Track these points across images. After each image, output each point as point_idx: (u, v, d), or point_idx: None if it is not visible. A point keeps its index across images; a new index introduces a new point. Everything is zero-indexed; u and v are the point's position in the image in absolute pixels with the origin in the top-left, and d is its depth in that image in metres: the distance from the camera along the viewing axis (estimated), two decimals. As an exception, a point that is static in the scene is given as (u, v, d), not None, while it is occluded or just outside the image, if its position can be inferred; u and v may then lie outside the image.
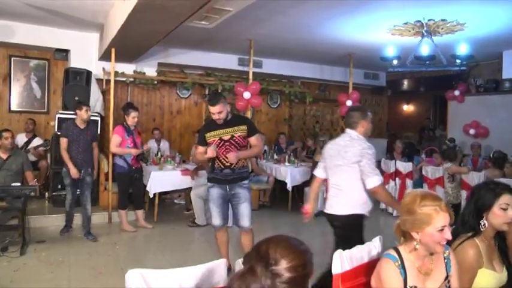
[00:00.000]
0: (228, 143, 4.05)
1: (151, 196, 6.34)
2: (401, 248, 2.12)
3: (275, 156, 8.51)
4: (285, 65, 9.74)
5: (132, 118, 5.78)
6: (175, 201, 7.84)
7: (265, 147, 8.66)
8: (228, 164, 4.04)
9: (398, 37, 6.69)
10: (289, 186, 7.41)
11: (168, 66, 8.61)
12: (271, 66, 9.55)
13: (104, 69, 7.66)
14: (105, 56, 7.01)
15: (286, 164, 7.86)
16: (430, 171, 6.88)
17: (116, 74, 6.99)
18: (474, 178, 6.31)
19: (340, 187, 3.42)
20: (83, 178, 5.45)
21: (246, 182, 4.17)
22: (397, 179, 7.61)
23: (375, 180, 3.24)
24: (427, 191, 2.16)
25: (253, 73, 8.95)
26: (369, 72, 11.09)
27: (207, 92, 9.33)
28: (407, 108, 14.34)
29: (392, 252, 2.11)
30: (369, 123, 3.41)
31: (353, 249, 2.32)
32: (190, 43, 7.90)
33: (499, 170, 6.50)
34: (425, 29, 5.92)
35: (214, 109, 3.96)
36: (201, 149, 4.21)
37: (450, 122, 9.14)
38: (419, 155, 8.25)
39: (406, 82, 12.51)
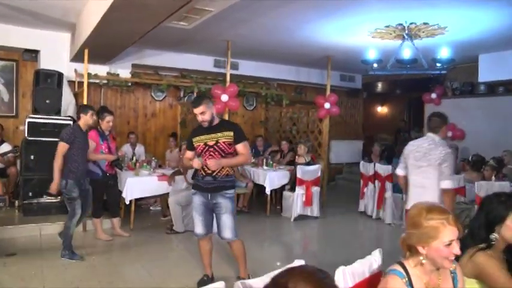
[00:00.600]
0: (212, 149, 3.91)
1: (127, 203, 6.10)
2: (407, 263, 2.02)
3: (252, 160, 8.38)
4: (262, 67, 9.64)
5: (106, 122, 5.53)
6: (151, 207, 7.59)
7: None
8: (210, 171, 3.88)
9: (379, 40, 6.68)
10: (267, 191, 7.32)
11: (142, 67, 8.36)
12: (248, 68, 9.42)
13: (76, 70, 7.36)
14: (77, 57, 6.73)
15: (264, 167, 7.76)
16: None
17: (89, 76, 6.69)
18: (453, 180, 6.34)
19: (425, 186, 3.83)
20: (87, 189, 5.12)
21: (230, 191, 3.99)
22: (376, 181, 7.61)
23: (450, 182, 3.76)
24: (434, 203, 2.07)
25: (230, 75, 8.88)
26: (345, 74, 11.12)
27: (182, 95, 9.13)
28: (382, 110, 14.51)
29: (399, 268, 2.00)
30: (447, 128, 3.99)
31: (355, 264, 2.21)
32: (166, 44, 7.69)
33: (477, 172, 6.59)
34: (406, 32, 5.91)
35: (197, 110, 3.85)
36: (188, 154, 4.10)
37: (427, 125, 9.20)
38: (397, 158, 8.26)
39: (380, 85, 12.64)
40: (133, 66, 8.20)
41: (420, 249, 1.95)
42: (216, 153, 3.91)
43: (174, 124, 9.01)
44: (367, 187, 7.81)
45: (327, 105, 8.40)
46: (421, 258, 1.96)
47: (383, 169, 7.42)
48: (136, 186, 6.14)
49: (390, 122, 13.89)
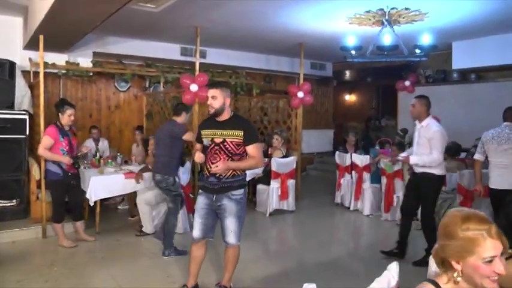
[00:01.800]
0: (217, 148, 3.48)
1: (91, 204, 5.55)
2: (439, 280, 1.69)
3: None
4: (230, 55, 9.17)
5: (68, 116, 4.95)
6: (119, 206, 7.06)
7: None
8: (213, 172, 3.45)
9: (356, 26, 6.37)
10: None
11: (104, 56, 7.73)
12: (216, 56, 8.93)
13: (30, 59, 6.69)
14: (31, 45, 6.05)
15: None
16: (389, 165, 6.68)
17: (46, 65, 6.07)
18: (434, 170, 6.16)
19: (507, 166, 4.56)
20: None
21: (238, 192, 3.56)
22: (353, 172, 7.37)
23: None
24: (472, 210, 1.73)
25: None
26: (316, 62, 10.81)
27: (147, 85, 8.56)
28: (351, 98, 14.38)
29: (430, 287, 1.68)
30: None
31: (373, 284, 1.86)
32: (130, 31, 7.10)
33: (456, 161, 6.43)
34: (386, 17, 5.61)
35: (210, 92, 3.49)
36: (197, 146, 3.75)
37: (400, 113, 9.06)
38: (374, 147, 8.08)
39: (348, 73, 12.45)
40: (95, 54, 7.55)
41: (455, 264, 1.63)
42: (222, 153, 3.48)
43: (139, 116, 8.44)
44: (343, 178, 7.56)
45: (300, 94, 8.06)
46: (455, 274, 1.63)
47: (360, 159, 7.16)
48: (101, 185, 5.57)
49: (358, 110, 13.79)
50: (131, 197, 6.38)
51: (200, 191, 3.70)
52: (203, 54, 8.45)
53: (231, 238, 3.57)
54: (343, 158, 7.57)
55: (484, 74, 8.08)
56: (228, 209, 3.53)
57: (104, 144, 7.31)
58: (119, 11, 4.36)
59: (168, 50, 8.22)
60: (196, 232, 3.62)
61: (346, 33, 6.81)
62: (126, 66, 8.09)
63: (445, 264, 1.69)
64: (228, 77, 9.44)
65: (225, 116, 3.55)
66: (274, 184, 6.92)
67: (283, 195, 6.97)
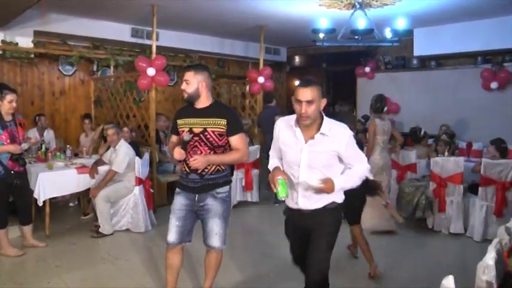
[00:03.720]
0: (197, 138, 2.99)
1: (40, 204, 4.79)
2: None
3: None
4: (183, 38, 8.43)
5: (8, 103, 4.14)
6: (71, 203, 6.26)
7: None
8: (193, 168, 2.96)
9: (324, 9, 5.97)
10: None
11: (47, 36, 6.74)
12: (168, 39, 8.14)
13: (-44, 37, 5.65)
14: (-42, 20, 5.10)
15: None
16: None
17: (-23, 44, 5.12)
18: (404, 157, 5.99)
19: None
20: None
21: (223, 190, 3.10)
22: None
23: None
24: None
25: (149, 46, 7.59)
26: (270, 47, 10.33)
27: (95, 68, 7.68)
28: (300, 84, 14.08)
29: None
30: None
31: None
32: (75, 8, 6.21)
33: (425, 147, 6.29)
34: (360, 0, 5.26)
35: (183, 76, 3.03)
36: (173, 138, 3.28)
37: (359, 99, 8.87)
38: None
39: (298, 58, 12.09)
40: (36, 34, 6.55)
41: None
42: (203, 144, 2.99)
43: (87, 103, 7.58)
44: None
45: (260, 80, 7.62)
46: None
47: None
48: (50, 182, 4.84)
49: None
50: (84, 194, 5.65)
51: (178, 190, 3.17)
52: (156, 37, 7.70)
53: (216, 241, 3.09)
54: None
55: (443, 61, 8.05)
56: (213, 209, 3.06)
57: (49, 134, 6.44)
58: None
59: (118, 31, 7.36)
60: (173, 236, 3.10)
61: (313, 16, 6.45)
62: (72, 47, 7.15)
63: None
64: (182, 61, 8.74)
65: (205, 102, 3.05)
66: (238, 175, 6.43)
67: (248, 186, 6.51)
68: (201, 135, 2.99)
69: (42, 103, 7.18)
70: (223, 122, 2.99)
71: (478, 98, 7.30)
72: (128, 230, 5.19)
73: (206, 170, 3.02)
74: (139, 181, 5.19)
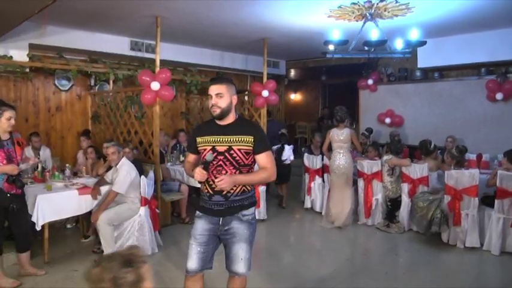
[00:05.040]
0: (222, 157, 2.67)
1: (38, 228, 4.34)
2: None
3: (181, 158, 6.99)
4: (182, 51, 8.08)
5: (6, 120, 3.72)
6: (68, 225, 5.79)
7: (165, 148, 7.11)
8: (219, 189, 2.64)
9: (332, 21, 5.70)
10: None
11: (42, 49, 6.31)
12: (167, 51, 7.76)
13: None
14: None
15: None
16: (366, 166, 6.12)
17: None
18: (416, 170, 5.71)
19: None
20: None
21: (249, 212, 2.80)
22: (325, 175, 6.72)
23: None
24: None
25: (148, 59, 7.30)
26: (270, 60, 10.06)
27: (92, 83, 7.27)
28: (296, 97, 13.87)
29: None
30: None
31: None
32: (72, 20, 5.84)
33: (433, 160, 6.01)
34: (373, 11, 4.99)
35: (213, 88, 2.71)
36: (190, 158, 2.96)
37: (362, 112, 8.59)
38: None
39: (293, 71, 11.85)
40: (32, 47, 6.13)
41: None
42: (228, 164, 2.69)
43: (84, 119, 7.15)
44: (314, 181, 6.89)
45: (265, 93, 7.28)
46: None
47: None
48: (50, 205, 4.41)
49: (306, 109, 13.32)
50: (85, 216, 5.21)
51: (199, 213, 2.84)
52: (153, 49, 7.36)
53: (241, 267, 2.76)
54: (313, 161, 6.91)
55: (446, 72, 7.84)
56: (239, 233, 2.74)
57: (45, 153, 5.99)
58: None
59: (117, 44, 6.99)
60: (194, 263, 2.75)
61: (319, 28, 6.21)
62: (69, 61, 6.73)
63: None
64: (183, 75, 8.38)
65: (230, 118, 2.76)
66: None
67: (256, 204, 6.13)
68: (226, 154, 2.68)
69: (37, 120, 6.71)
70: (251, 139, 2.70)
71: (483, 109, 7.10)
72: (133, 253, 4.75)
73: (232, 191, 2.71)
74: (144, 201, 4.79)
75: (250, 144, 2.70)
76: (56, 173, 5.11)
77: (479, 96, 7.09)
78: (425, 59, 7.38)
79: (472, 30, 6.75)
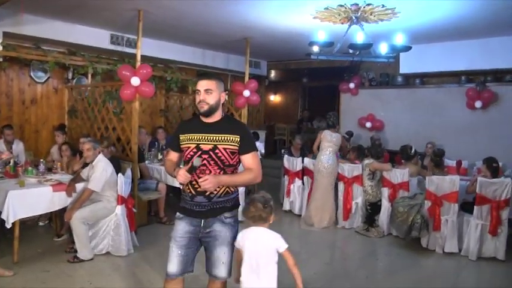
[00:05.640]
0: (206, 156, 2.53)
1: (8, 226, 4.11)
2: None
3: (159, 156, 6.81)
4: (163, 47, 7.89)
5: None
6: (40, 222, 5.53)
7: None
8: (202, 190, 2.51)
9: (317, 22, 5.63)
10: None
11: (18, 38, 6.00)
12: (148, 47, 7.54)
13: None
14: None
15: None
16: (347, 169, 6.07)
17: None
18: (397, 175, 5.69)
19: None
20: None
21: (231, 214, 2.67)
22: (305, 177, 6.66)
23: None
24: None
25: (128, 54, 7.11)
26: (251, 60, 9.93)
27: (70, 76, 6.99)
28: (275, 99, 13.81)
29: None
30: None
31: None
32: (51, 9, 5.59)
33: (414, 165, 6.01)
34: (359, 14, 4.94)
35: (202, 84, 2.59)
36: (172, 155, 2.80)
37: (343, 115, 8.55)
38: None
39: (274, 72, 11.81)
40: (6, 35, 5.80)
41: None
42: (213, 163, 2.55)
43: (60, 113, 6.87)
44: (293, 184, 6.80)
45: (246, 93, 7.18)
46: None
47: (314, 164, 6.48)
48: (22, 201, 4.17)
49: (285, 111, 13.27)
50: (58, 213, 4.99)
51: (179, 215, 2.69)
52: (133, 44, 7.14)
53: (223, 271, 2.65)
54: (293, 163, 6.82)
55: (427, 79, 7.90)
56: (221, 236, 2.61)
57: (18, 146, 5.70)
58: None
59: (96, 37, 6.74)
60: (174, 267, 2.62)
61: (304, 29, 6.14)
62: (46, 52, 6.43)
63: None
64: (163, 72, 8.17)
65: (217, 116, 2.64)
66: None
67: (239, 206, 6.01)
68: (211, 153, 2.56)
69: (11, 112, 6.38)
70: (237, 138, 2.58)
71: (462, 116, 7.18)
72: (108, 253, 4.55)
73: (215, 192, 2.58)
74: (121, 200, 4.60)
75: (236, 144, 2.58)
76: (30, 168, 4.86)
77: (459, 103, 7.18)
78: (407, 65, 7.42)
79: (453, 39, 6.84)
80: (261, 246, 2.62)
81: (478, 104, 6.90)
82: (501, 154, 5.42)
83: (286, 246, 2.65)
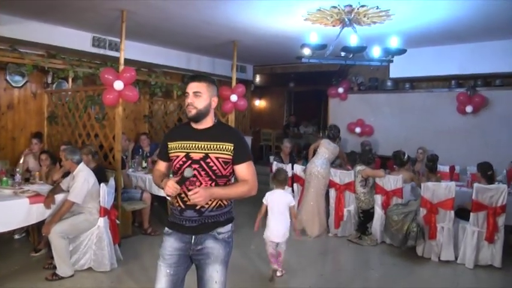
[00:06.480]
0: (197, 166, 2.29)
1: (-20, 242, 3.79)
2: None
3: (143, 164, 6.51)
4: (147, 50, 7.58)
5: None
6: (16, 235, 5.16)
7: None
8: (192, 203, 2.27)
9: (308, 24, 5.44)
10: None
11: (-7, 40, 5.66)
12: (131, 50, 7.21)
13: None
14: None
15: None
16: (339, 176, 5.87)
17: None
18: (391, 182, 5.52)
19: None
20: None
21: (225, 229, 2.42)
22: (295, 184, 6.43)
23: None
24: None
25: (111, 58, 6.83)
26: (237, 64, 9.71)
27: (49, 80, 6.62)
28: (260, 104, 13.61)
29: None
30: None
31: None
32: (29, 10, 5.26)
33: (406, 171, 5.85)
34: (352, 16, 4.76)
35: (192, 86, 2.38)
36: (160, 165, 2.57)
37: (331, 120, 8.35)
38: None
39: (259, 77, 11.61)
40: (-20, 37, 5.46)
41: None
42: (204, 174, 2.32)
43: (39, 120, 6.50)
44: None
45: (233, 98, 6.94)
46: None
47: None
48: (-5, 215, 3.85)
49: (270, 116, 13.08)
50: (35, 226, 4.65)
51: (168, 230, 2.46)
52: (116, 47, 6.83)
53: None
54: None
55: (416, 83, 7.77)
56: (214, 253, 2.37)
57: (-8, 155, 5.36)
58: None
59: (77, 39, 6.40)
60: (161, 285, 2.37)
61: (293, 32, 5.96)
62: (23, 55, 6.06)
63: None
64: (147, 76, 7.87)
65: (208, 122, 2.42)
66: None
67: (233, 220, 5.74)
68: (202, 163, 2.32)
69: (-15, 118, 6.02)
70: (230, 147, 2.35)
71: (453, 121, 7.07)
72: (90, 269, 4.24)
73: (206, 206, 2.35)
74: (104, 212, 4.29)
75: (229, 153, 2.35)
76: (4, 178, 4.52)
77: (450, 108, 7.06)
78: (397, 69, 7.28)
79: (444, 43, 6.73)
80: (282, 200, 4.25)
81: (469, 108, 6.80)
82: (492, 159, 5.29)
83: (294, 203, 4.36)
